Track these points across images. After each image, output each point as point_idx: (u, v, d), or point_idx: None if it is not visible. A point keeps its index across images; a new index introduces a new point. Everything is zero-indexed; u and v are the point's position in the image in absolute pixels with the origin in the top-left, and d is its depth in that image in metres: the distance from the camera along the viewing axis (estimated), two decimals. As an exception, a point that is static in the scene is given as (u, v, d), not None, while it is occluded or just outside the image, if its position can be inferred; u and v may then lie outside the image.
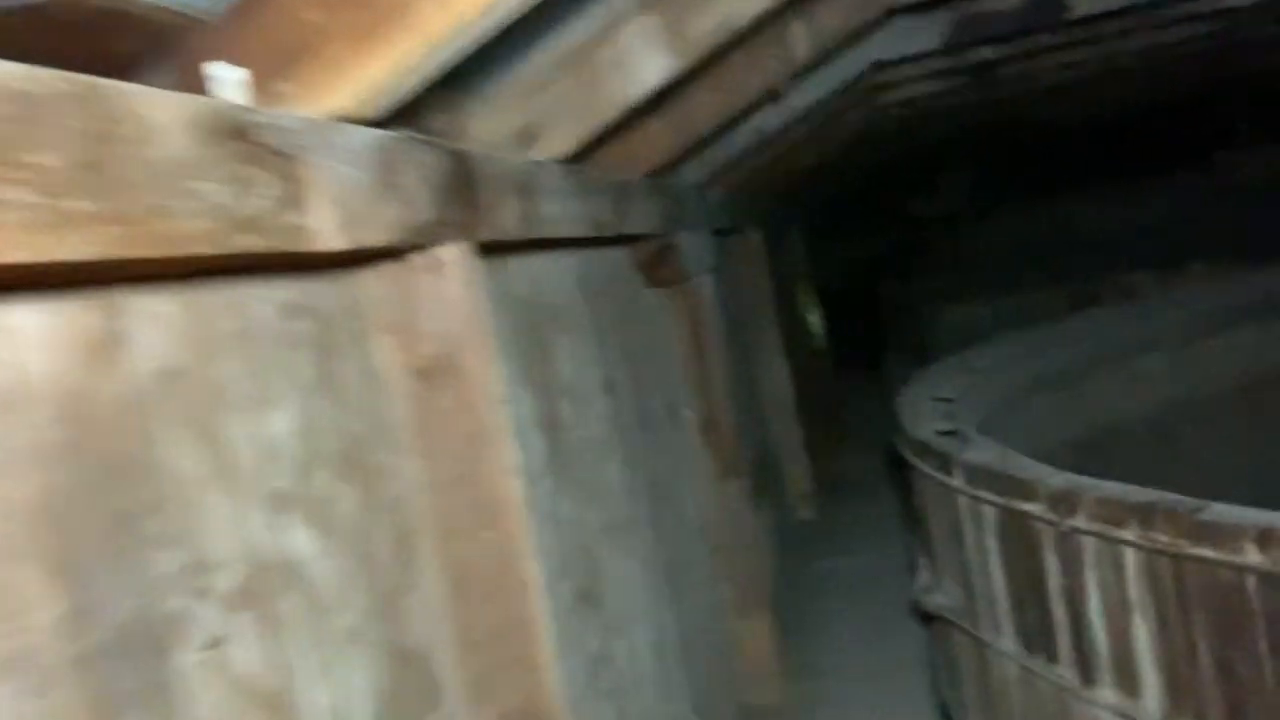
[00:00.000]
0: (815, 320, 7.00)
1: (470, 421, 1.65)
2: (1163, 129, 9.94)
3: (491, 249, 1.91)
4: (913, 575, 3.86)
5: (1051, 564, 2.49)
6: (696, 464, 3.80)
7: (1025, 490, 2.55)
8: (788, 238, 8.00)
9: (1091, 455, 5.39)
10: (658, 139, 3.10)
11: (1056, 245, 11.80)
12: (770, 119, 3.91)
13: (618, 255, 3.25)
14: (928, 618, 3.50)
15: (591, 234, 2.61)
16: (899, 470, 4.00)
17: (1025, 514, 2.57)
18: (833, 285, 12.12)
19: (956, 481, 2.98)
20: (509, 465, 1.70)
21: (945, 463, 3.05)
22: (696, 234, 3.89)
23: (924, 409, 3.87)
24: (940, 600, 3.23)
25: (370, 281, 1.62)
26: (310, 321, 1.48)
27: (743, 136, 3.97)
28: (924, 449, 3.21)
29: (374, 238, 1.40)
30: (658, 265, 3.56)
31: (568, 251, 2.79)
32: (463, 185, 1.72)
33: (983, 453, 2.99)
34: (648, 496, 3.19)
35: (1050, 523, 2.45)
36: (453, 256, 1.63)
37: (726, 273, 5.60)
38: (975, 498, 2.84)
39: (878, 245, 14.01)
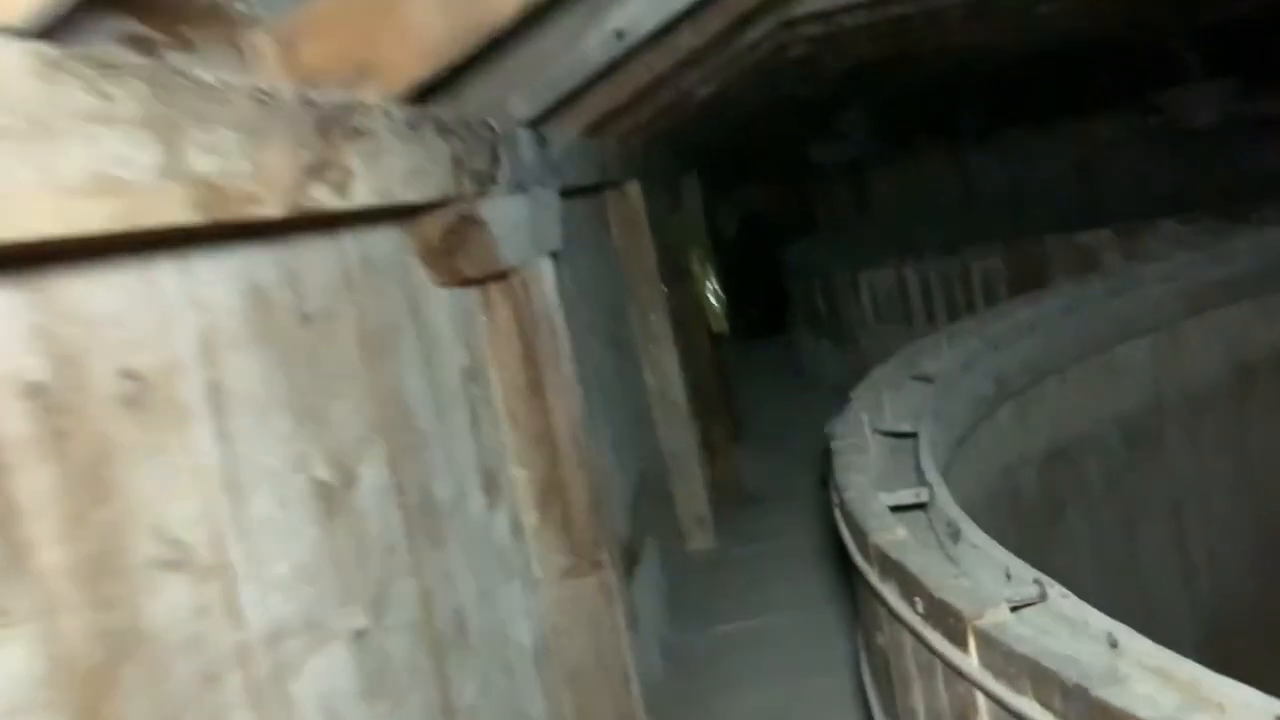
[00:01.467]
0: (714, 295, 5.68)
1: None
2: (1100, 63, 8.81)
3: None
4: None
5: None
6: (519, 559, 2.44)
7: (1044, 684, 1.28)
8: (679, 192, 6.62)
9: (1062, 465, 4.29)
10: (424, 32, 1.67)
11: (988, 197, 10.70)
12: (633, 18, 2.52)
13: (355, 244, 1.83)
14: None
15: (286, 214, 1.23)
16: (840, 561, 2.70)
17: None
18: (726, 244, 10.85)
19: (930, 633, 1.69)
20: None
21: (909, 586, 1.75)
22: (525, 198, 2.48)
23: (872, 466, 2.57)
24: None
25: None
26: None
27: (595, 45, 2.57)
28: (882, 559, 1.90)
29: None
30: (450, 251, 2.15)
31: (228, 248, 1.39)
32: None
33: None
34: (423, 646, 1.82)
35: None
36: None
37: (590, 245, 4.21)
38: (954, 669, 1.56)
39: (777, 195, 12.75)
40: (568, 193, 3.30)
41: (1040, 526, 4.03)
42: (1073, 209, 9.68)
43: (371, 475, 1.74)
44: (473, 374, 2.35)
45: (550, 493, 2.52)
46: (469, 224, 2.13)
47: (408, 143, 1.74)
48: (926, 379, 3.39)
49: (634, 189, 4.91)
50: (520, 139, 2.55)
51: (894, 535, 1.92)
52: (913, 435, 2.78)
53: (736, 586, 4.57)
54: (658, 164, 5.57)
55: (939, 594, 1.65)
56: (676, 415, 5.01)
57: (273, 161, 1.26)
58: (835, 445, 2.69)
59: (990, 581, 1.82)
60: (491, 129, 2.31)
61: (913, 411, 3.09)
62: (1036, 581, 1.73)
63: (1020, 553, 1.88)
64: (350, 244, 1.81)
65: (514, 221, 2.36)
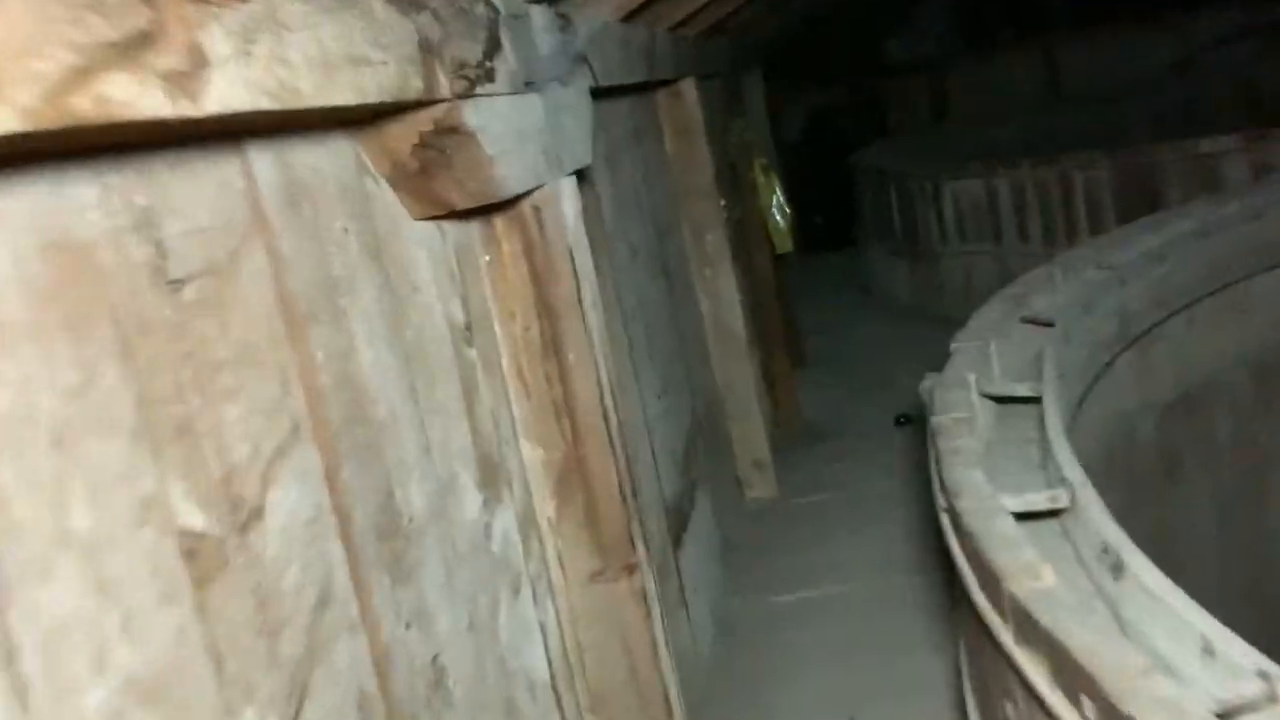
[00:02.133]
0: (779, 210, 5.03)
1: None
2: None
3: None
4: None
5: None
6: (532, 563, 1.93)
7: None
8: (742, 91, 5.94)
9: (1185, 414, 3.68)
10: None
11: (1079, 99, 9.76)
12: None
13: (273, 165, 1.27)
14: None
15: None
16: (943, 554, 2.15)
17: None
18: (790, 148, 10.09)
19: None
20: None
21: (1068, 671, 1.20)
22: (539, 99, 1.90)
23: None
24: None
25: None
26: None
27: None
28: (1021, 619, 1.34)
29: None
30: (428, 173, 1.58)
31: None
32: None
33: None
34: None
35: None
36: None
37: (635, 156, 3.62)
38: None
39: (847, 96, 11.86)
40: (604, 93, 2.71)
41: (1157, 482, 3.45)
42: (1174, 112, 8.77)
43: (290, 501, 1.21)
44: (469, 334, 1.80)
45: (571, 478, 1.98)
46: (452, 135, 1.56)
47: (331, 13, 1.16)
48: (1043, 323, 2.78)
49: (689, 88, 4.27)
50: (533, 19, 1.95)
51: (1039, 582, 1.36)
52: (1035, 400, 2.21)
53: (800, 543, 4.05)
54: (716, 59, 4.90)
55: (1123, 706, 1.09)
56: (734, 347, 4.44)
57: (17, 36, 0.71)
58: (936, 421, 2.11)
59: (1181, 658, 1.26)
60: (489, 3, 1.72)
61: (1029, 366, 2.51)
62: (1262, 674, 1.17)
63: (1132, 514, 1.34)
64: (265, 164, 1.25)
65: (521, 131, 1.78)
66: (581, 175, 2.21)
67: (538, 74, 1.92)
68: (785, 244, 5.07)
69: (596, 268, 2.19)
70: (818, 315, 7.11)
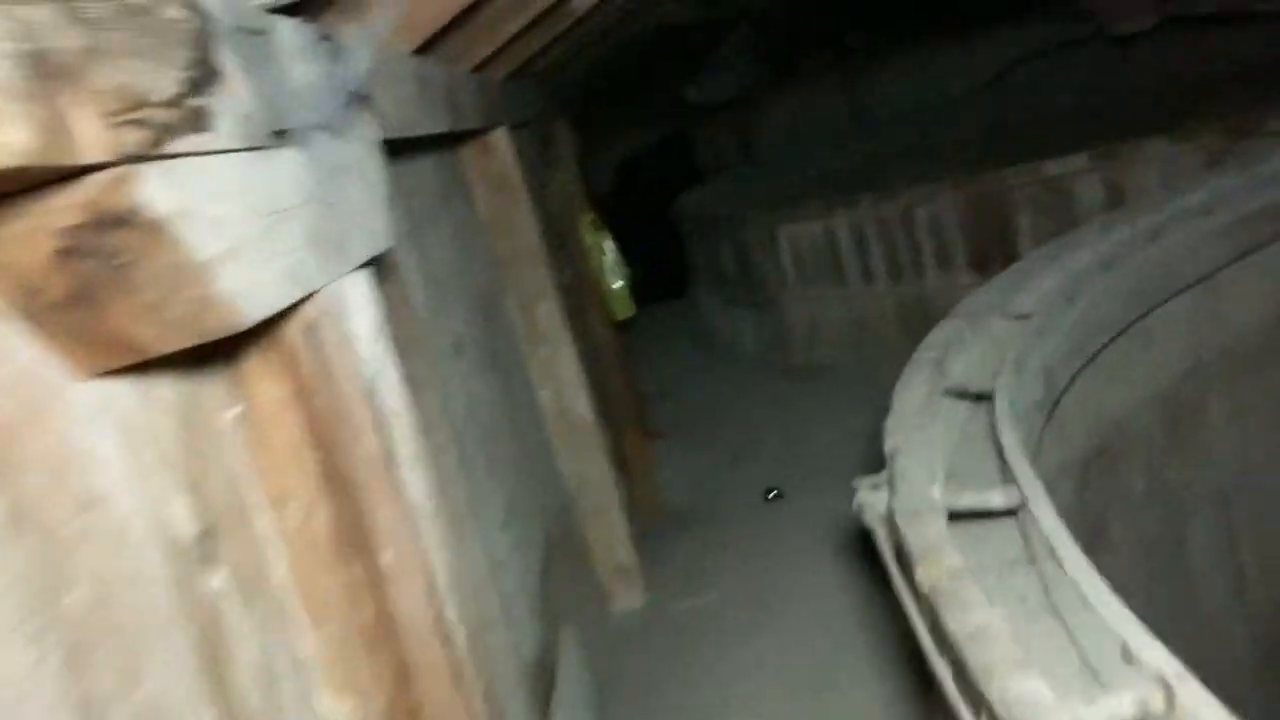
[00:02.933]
0: (614, 270, 4.42)
1: None
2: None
3: None
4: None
5: None
6: None
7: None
8: (554, 141, 5.33)
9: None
10: None
11: (886, 126, 9.66)
12: None
13: None
14: None
15: None
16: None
17: None
18: (601, 199, 9.60)
19: None
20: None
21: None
22: (297, 156, 1.21)
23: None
24: None
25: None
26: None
27: None
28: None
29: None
30: (84, 300, 0.86)
31: None
32: None
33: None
34: None
35: None
36: None
37: (443, 223, 2.94)
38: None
39: (653, 141, 11.49)
40: (399, 147, 2.03)
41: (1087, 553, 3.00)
42: (986, 133, 8.74)
43: None
44: (205, 549, 1.07)
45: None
46: (121, 229, 0.85)
47: None
48: (974, 395, 2.25)
49: (502, 139, 3.62)
50: (280, 38, 1.26)
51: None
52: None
53: (688, 671, 3.39)
54: (527, 105, 4.28)
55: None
56: (582, 437, 3.78)
57: None
58: (922, 576, 1.50)
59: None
60: (191, 3, 1.02)
61: (979, 461, 1.97)
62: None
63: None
64: None
65: (266, 209, 1.08)
66: (379, 263, 1.52)
67: (293, 119, 1.22)
68: (624, 308, 4.46)
69: (415, 394, 1.50)
70: (661, 376, 6.55)
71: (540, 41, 3.90)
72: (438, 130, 2.51)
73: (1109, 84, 7.93)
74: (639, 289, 9.35)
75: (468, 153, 3.57)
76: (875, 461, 2.04)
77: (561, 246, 4.24)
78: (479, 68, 3.34)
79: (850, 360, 5.62)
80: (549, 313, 3.75)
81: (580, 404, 3.79)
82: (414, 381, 1.57)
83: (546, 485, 3.40)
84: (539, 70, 4.54)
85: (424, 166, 2.81)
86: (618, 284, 4.42)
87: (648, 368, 6.55)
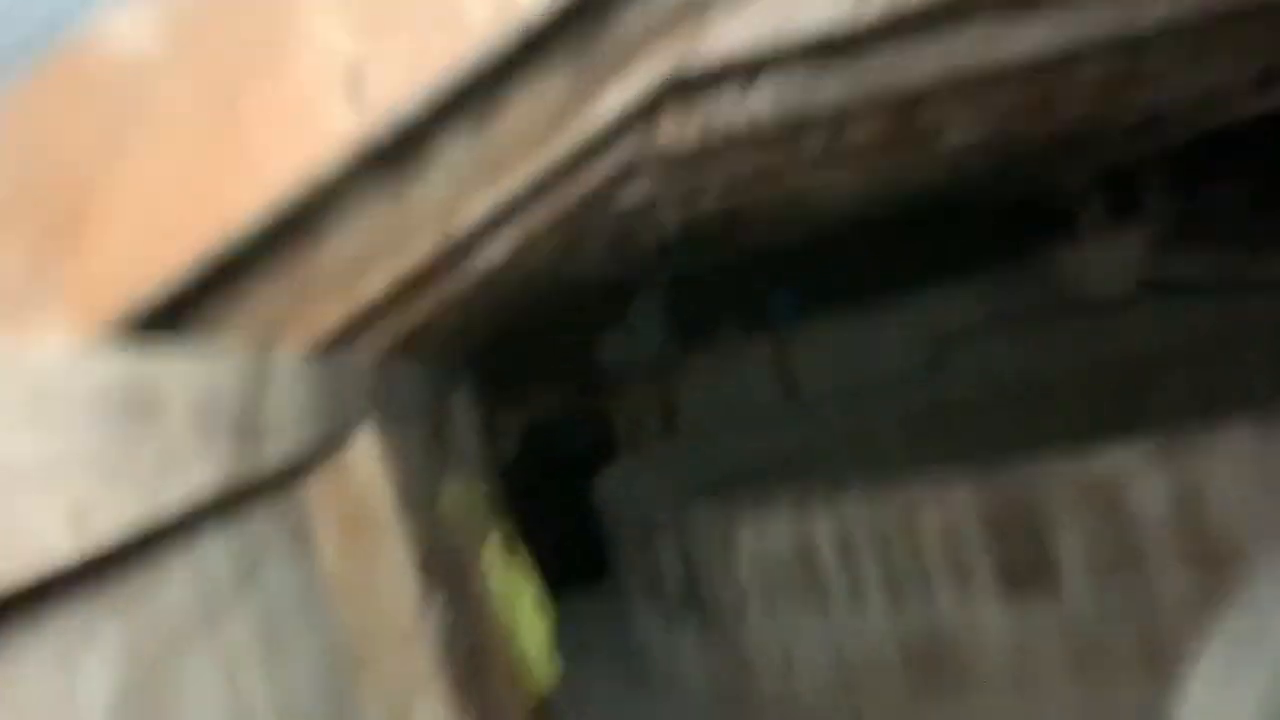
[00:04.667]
0: (535, 616, 3.03)
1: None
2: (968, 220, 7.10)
3: None
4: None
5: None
6: None
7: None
8: (448, 427, 4.09)
9: None
10: None
11: (818, 402, 8.70)
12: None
13: None
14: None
15: None
16: None
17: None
18: (508, 465, 8.34)
19: None
20: None
21: None
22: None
23: None
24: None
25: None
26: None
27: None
28: None
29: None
30: None
31: None
32: None
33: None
34: None
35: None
36: None
37: (240, 622, 1.55)
38: None
39: (566, 405, 10.36)
40: None
41: None
42: (926, 411, 7.84)
43: None
44: None
45: None
46: None
47: None
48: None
49: (365, 451, 2.34)
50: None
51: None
52: None
53: None
54: (409, 390, 3.06)
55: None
56: None
57: None
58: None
59: None
60: None
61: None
62: None
63: None
64: None
65: None
66: None
67: None
68: (548, 673, 3.08)
69: None
70: (576, 707, 5.02)
71: (429, 305, 2.73)
72: (204, 487, 1.22)
73: (1076, 358, 7.13)
74: (550, 574, 7.96)
75: (315, 481, 2.27)
76: None
77: (455, 600, 2.91)
78: (331, 347, 2.12)
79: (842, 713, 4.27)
80: (429, 716, 2.37)
81: None
82: None
83: None
84: (427, 342, 3.34)
85: (199, 550, 1.50)
86: (536, 640, 3.06)
87: (562, 700, 5.03)
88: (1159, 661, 3.68)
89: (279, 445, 1.57)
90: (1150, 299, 6.58)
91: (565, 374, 10.07)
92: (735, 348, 10.09)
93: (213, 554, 1.57)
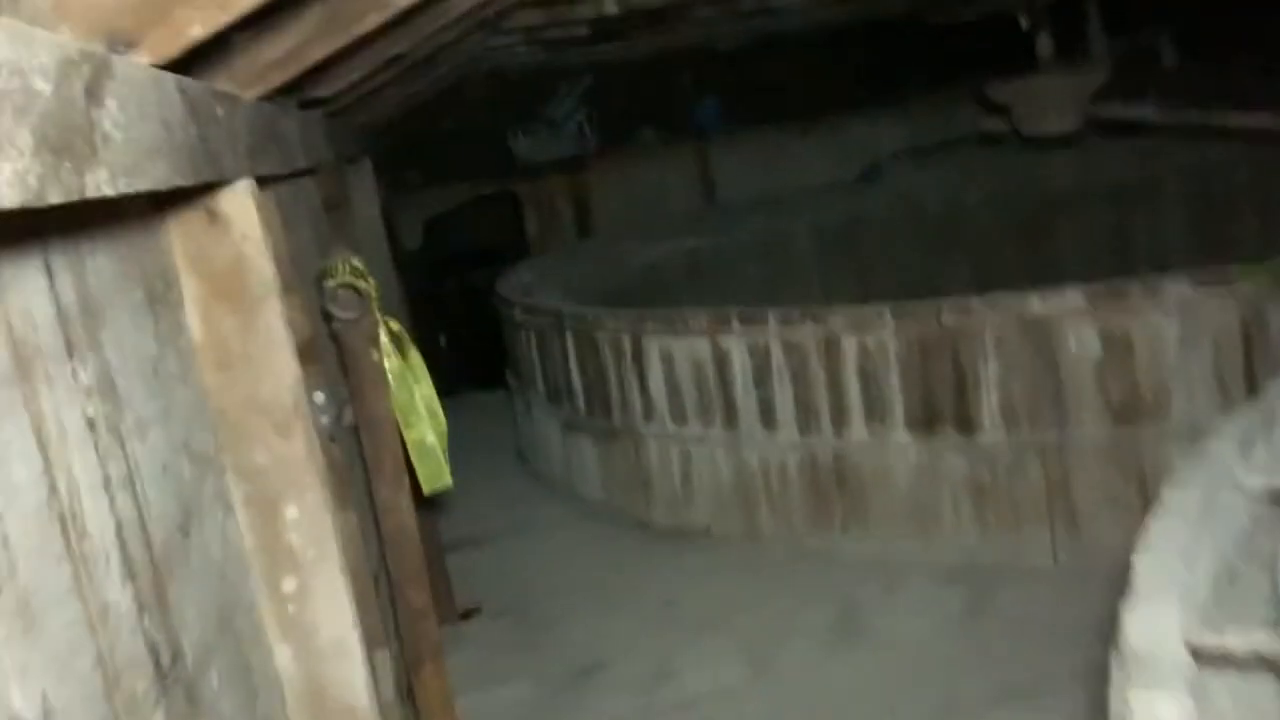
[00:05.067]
0: (428, 414, 2.78)
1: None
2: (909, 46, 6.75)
3: None
4: None
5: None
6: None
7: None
8: (347, 193, 3.71)
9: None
10: None
11: (736, 206, 8.45)
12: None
13: None
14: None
15: None
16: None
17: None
18: (406, 258, 7.95)
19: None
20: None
21: None
22: None
23: None
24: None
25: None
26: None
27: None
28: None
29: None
30: None
31: None
32: None
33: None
34: None
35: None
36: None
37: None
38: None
39: (476, 196, 9.89)
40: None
41: None
42: (842, 227, 7.66)
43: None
44: None
45: None
46: None
47: None
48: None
49: (240, 204, 2.00)
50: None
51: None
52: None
53: None
54: (294, 143, 2.68)
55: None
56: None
57: None
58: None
59: None
60: None
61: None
62: None
63: None
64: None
65: None
66: None
67: None
68: (439, 475, 2.87)
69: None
70: (469, 508, 4.89)
71: (325, 50, 2.34)
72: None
73: (1002, 189, 6.97)
74: (451, 371, 7.74)
75: (172, 232, 1.93)
76: None
77: (338, 392, 2.63)
78: (202, 75, 1.75)
79: (734, 528, 4.20)
80: (307, 515, 2.13)
81: (351, 676, 2.16)
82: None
83: None
84: (326, 97, 2.94)
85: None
86: (429, 437, 2.84)
87: (454, 490, 4.88)
88: (1062, 510, 3.65)
89: (115, 168, 1.23)
90: (1095, 139, 6.43)
91: (478, 168, 9.57)
92: (659, 154, 9.72)
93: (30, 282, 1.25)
